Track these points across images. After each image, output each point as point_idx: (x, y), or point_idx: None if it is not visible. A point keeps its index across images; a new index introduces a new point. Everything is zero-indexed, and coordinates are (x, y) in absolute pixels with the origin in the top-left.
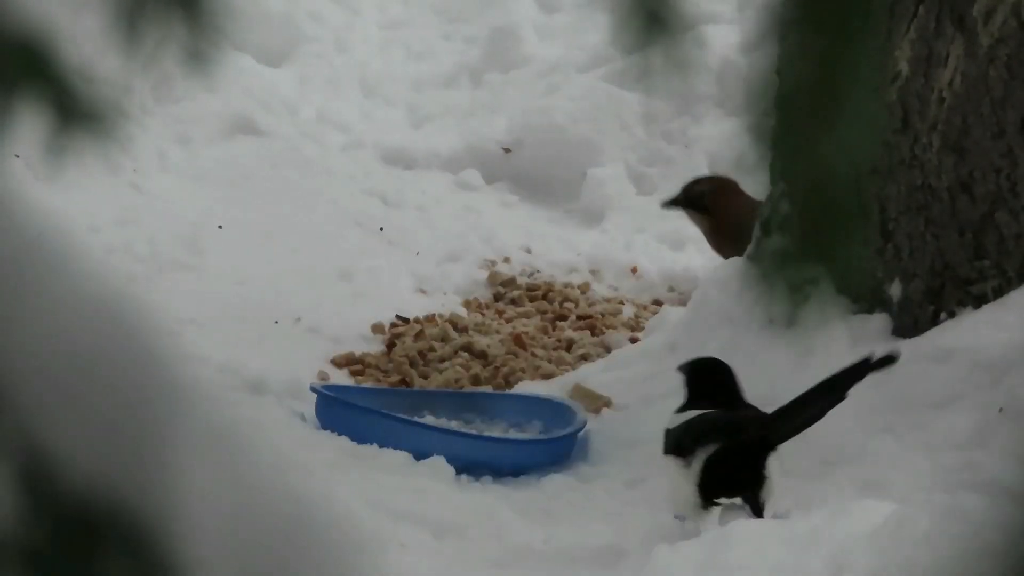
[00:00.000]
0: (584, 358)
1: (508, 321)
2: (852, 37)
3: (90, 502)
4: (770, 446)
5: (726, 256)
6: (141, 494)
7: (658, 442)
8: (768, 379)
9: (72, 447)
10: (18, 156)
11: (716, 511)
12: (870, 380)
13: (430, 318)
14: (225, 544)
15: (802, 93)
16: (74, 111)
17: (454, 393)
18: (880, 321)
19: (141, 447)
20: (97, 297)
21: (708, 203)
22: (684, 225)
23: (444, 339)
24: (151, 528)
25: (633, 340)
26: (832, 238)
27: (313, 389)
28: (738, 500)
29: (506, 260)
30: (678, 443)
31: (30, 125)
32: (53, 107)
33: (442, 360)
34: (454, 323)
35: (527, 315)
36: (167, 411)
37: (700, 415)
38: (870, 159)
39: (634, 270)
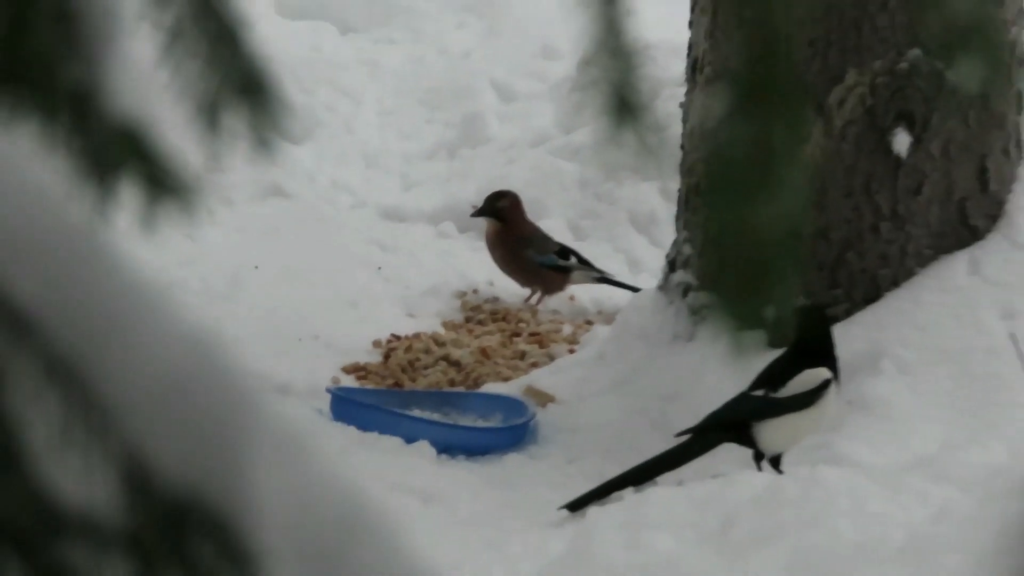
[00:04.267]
0: (534, 365)
1: (476, 337)
2: (777, 123)
3: (181, 499)
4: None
5: (500, 258)
6: (223, 491)
7: (591, 431)
8: (674, 382)
9: (167, 454)
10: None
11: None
12: (747, 377)
13: (417, 335)
14: (291, 532)
15: (723, 168)
16: (164, 185)
17: (435, 392)
18: (759, 336)
19: (223, 454)
20: (185, 331)
21: (506, 215)
22: (607, 266)
23: (428, 351)
24: (231, 519)
25: (571, 351)
26: (735, 277)
27: (328, 390)
28: None
29: (475, 291)
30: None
31: (125, 193)
32: (148, 182)
33: (426, 367)
34: (435, 339)
35: (491, 333)
36: (244, 424)
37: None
38: (793, 224)
39: (571, 298)
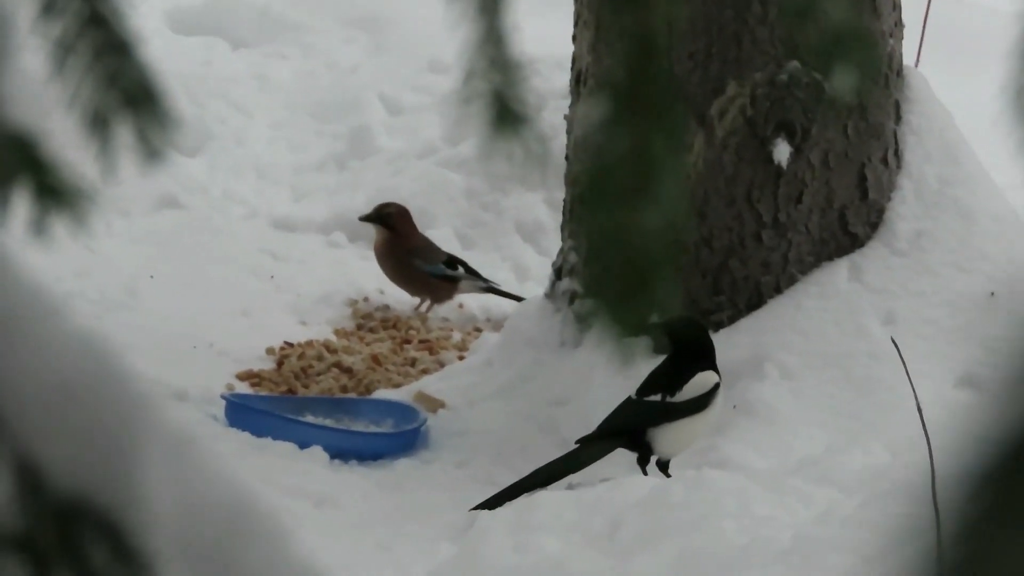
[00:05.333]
0: (424, 371)
1: (368, 344)
2: (656, 133)
3: (73, 501)
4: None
5: (388, 269)
6: (114, 494)
7: (480, 436)
8: (562, 387)
9: (58, 457)
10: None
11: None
12: (634, 382)
13: (309, 343)
14: (180, 533)
15: (603, 175)
16: (56, 195)
17: (327, 399)
18: (644, 342)
19: (114, 456)
20: (77, 336)
21: (394, 223)
22: (495, 275)
23: (320, 358)
24: (122, 521)
25: (460, 358)
26: (618, 284)
27: (223, 397)
28: None
29: (365, 299)
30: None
31: (18, 202)
32: (40, 192)
33: (319, 374)
34: (327, 347)
35: (381, 340)
36: (135, 427)
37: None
38: (672, 231)
39: (460, 306)
